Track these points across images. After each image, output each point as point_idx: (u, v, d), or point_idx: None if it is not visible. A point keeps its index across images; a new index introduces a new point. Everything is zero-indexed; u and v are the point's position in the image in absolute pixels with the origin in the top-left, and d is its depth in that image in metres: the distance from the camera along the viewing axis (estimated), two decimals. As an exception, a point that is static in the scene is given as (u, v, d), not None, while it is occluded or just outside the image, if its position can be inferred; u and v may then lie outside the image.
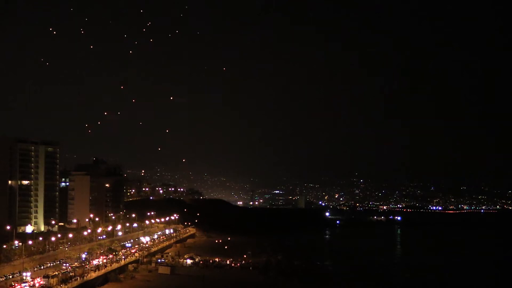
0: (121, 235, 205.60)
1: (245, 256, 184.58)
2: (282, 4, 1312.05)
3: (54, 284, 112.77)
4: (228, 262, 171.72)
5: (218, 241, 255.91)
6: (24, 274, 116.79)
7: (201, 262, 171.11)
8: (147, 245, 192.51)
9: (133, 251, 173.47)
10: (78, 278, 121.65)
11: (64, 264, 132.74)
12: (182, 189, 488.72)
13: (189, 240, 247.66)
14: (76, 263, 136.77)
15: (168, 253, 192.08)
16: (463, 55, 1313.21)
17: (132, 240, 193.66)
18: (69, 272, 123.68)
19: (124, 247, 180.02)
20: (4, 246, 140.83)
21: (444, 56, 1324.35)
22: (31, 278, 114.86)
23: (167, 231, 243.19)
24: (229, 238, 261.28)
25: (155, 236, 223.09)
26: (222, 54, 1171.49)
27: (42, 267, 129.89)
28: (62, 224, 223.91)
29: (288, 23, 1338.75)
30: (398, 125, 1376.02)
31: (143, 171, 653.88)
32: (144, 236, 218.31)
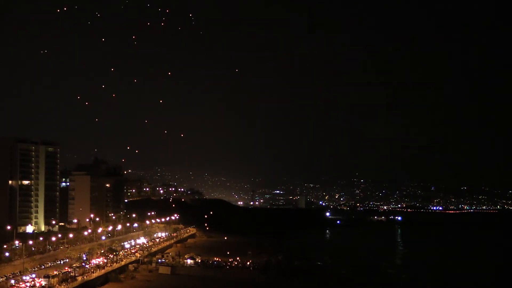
0: (118, 236, 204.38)
1: (245, 256, 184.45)
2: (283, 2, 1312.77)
3: (55, 284, 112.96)
4: (228, 262, 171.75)
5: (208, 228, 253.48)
6: None
7: (201, 261, 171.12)
8: (133, 251, 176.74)
9: (133, 251, 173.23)
10: (79, 278, 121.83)
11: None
12: (182, 189, 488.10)
13: (189, 240, 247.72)
14: (76, 263, 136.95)
15: (169, 253, 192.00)
16: (468, 52, 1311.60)
17: (117, 246, 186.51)
18: (69, 272, 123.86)
19: (124, 247, 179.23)
20: (5, 246, 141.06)
21: (445, 56, 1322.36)
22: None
23: (161, 234, 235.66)
24: (226, 238, 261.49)
25: (145, 240, 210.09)
26: (223, 54, 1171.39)
27: (42, 267, 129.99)
28: (62, 224, 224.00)
29: (289, 21, 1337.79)
30: (399, 125, 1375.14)
31: (143, 171, 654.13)
32: (144, 236, 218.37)
